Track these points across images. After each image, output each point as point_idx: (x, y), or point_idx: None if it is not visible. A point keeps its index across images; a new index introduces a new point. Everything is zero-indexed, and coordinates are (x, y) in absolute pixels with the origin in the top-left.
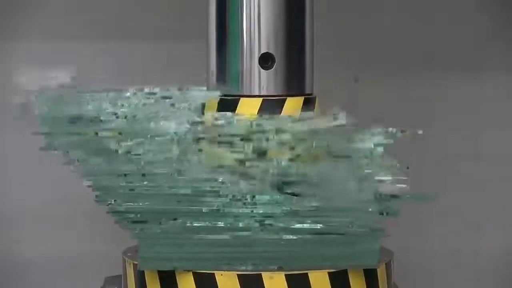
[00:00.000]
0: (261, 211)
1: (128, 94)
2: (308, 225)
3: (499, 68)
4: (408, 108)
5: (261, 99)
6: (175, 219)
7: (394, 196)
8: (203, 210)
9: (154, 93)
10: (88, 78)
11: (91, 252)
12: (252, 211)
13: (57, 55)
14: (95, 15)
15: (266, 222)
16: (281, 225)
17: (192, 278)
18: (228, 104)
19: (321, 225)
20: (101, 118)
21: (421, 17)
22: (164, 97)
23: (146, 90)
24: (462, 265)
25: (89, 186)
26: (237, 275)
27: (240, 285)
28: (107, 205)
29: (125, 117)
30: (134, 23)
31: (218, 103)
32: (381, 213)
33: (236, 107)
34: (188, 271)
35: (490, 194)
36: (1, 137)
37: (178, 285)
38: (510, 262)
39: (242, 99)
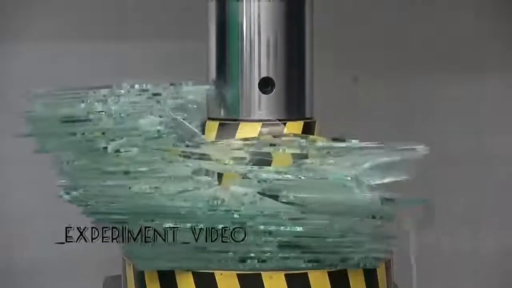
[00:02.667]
0: (242, 213)
1: (121, 91)
2: (289, 228)
3: (499, 68)
4: (408, 108)
5: (261, 123)
6: (152, 220)
7: (388, 200)
8: (182, 212)
9: (146, 90)
10: (88, 78)
11: (91, 252)
12: (232, 213)
13: (57, 55)
14: (95, 15)
15: (248, 224)
16: (262, 227)
17: (192, 278)
18: (228, 128)
19: (301, 227)
20: (90, 117)
21: (421, 17)
22: (155, 94)
23: (137, 86)
24: (461, 265)
25: (61, 186)
26: (237, 274)
27: (239, 285)
28: (85, 206)
29: (112, 115)
30: (134, 23)
31: (218, 127)
32: (374, 217)
33: (236, 131)
34: (188, 271)
35: (489, 194)
36: (1, 138)
37: (178, 285)
38: (509, 262)
39: (241, 123)
